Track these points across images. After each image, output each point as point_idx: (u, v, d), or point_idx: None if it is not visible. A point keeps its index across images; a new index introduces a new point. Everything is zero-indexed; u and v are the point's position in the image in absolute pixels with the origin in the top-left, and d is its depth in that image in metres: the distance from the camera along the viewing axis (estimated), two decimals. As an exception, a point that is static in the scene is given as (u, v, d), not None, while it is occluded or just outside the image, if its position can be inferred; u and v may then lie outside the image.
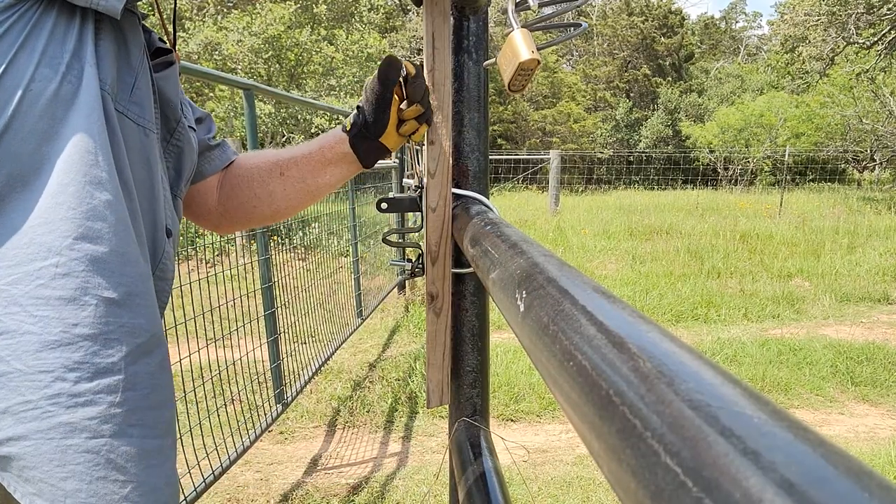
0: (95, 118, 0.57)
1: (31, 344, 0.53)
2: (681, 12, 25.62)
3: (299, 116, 9.83)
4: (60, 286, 0.54)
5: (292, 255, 3.33)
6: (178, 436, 1.60)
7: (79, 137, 0.55)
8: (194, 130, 0.82)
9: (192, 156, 0.79)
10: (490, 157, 0.89)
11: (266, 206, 0.91)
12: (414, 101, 0.82)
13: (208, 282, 2.09)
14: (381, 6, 13.62)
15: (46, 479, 0.53)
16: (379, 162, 0.93)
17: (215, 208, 0.91)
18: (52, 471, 0.53)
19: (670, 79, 23.99)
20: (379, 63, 0.86)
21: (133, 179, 0.62)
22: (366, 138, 0.87)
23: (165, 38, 0.77)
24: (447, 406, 0.92)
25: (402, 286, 5.31)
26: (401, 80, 0.82)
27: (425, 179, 0.82)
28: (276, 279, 2.60)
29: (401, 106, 0.84)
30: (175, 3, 0.77)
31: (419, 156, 0.90)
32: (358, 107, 0.87)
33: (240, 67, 9.65)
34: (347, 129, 0.88)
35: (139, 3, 0.66)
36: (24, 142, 0.54)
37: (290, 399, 2.69)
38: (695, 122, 20.39)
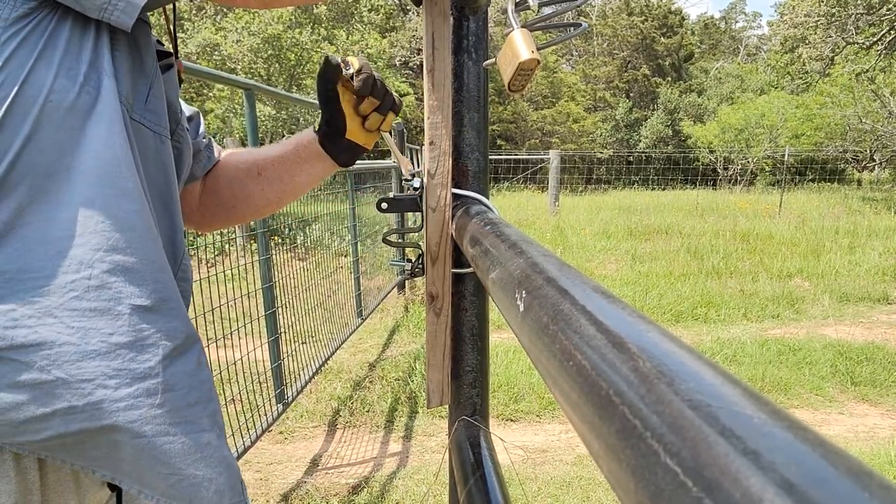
0: (116, 129, 0.57)
1: (71, 355, 0.55)
2: (680, 12, 25.63)
3: (300, 118, 9.83)
4: (94, 297, 0.56)
5: (292, 255, 3.33)
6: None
7: (101, 149, 0.56)
8: (188, 131, 0.82)
9: (189, 157, 0.79)
10: (490, 157, 0.89)
11: (244, 206, 0.93)
12: (364, 95, 0.83)
13: (209, 282, 2.09)
14: (382, 6, 13.62)
15: (104, 456, 0.58)
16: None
17: (197, 208, 0.92)
18: (108, 454, 0.58)
19: (670, 79, 23.99)
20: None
21: (150, 187, 0.63)
22: (332, 137, 0.88)
23: (165, 42, 0.77)
24: (447, 406, 0.92)
25: (401, 286, 5.31)
26: (350, 75, 0.83)
27: (425, 180, 0.82)
28: (276, 279, 2.60)
29: (356, 103, 0.86)
30: (175, 9, 0.77)
31: (418, 156, 0.90)
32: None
33: (239, 67, 9.64)
34: (316, 129, 0.90)
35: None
36: (44, 153, 0.54)
37: (290, 399, 2.69)
38: (694, 122, 20.39)
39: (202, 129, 0.90)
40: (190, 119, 0.88)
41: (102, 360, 0.56)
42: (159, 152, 0.65)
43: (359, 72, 0.82)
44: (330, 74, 0.83)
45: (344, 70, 0.83)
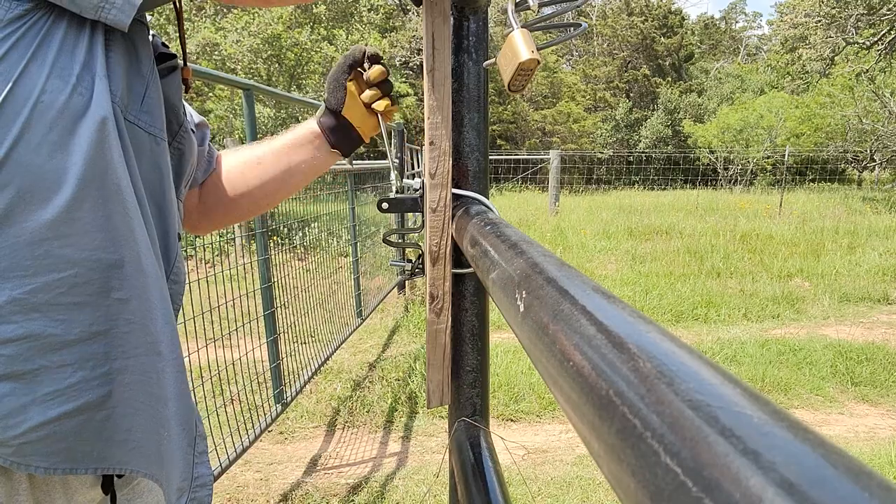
0: (108, 130, 0.58)
1: (54, 344, 0.57)
2: (681, 12, 25.63)
3: (300, 117, 9.83)
4: (79, 293, 0.58)
5: (292, 255, 3.33)
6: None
7: (92, 150, 0.57)
8: (194, 133, 0.82)
9: (192, 158, 0.80)
10: (490, 157, 0.89)
11: (244, 199, 0.94)
12: (375, 62, 0.88)
13: (207, 282, 2.09)
14: (381, 6, 13.62)
15: (71, 447, 0.60)
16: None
17: (195, 209, 0.93)
18: (75, 441, 0.60)
19: (670, 79, 23.99)
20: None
21: (144, 187, 0.64)
22: (330, 114, 0.90)
23: (170, 45, 0.77)
24: (447, 406, 0.92)
25: (401, 286, 5.31)
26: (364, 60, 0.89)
27: (425, 180, 0.82)
28: (275, 279, 2.60)
29: (363, 74, 0.89)
30: (180, 16, 0.77)
31: (418, 156, 0.90)
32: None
33: (239, 67, 9.64)
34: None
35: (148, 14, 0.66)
36: (34, 153, 0.55)
37: (289, 399, 2.69)
38: (694, 122, 20.40)
39: (207, 138, 0.92)
40: (198, 126, 0.89)
41: (83, 346, 0.59)
42: (154, 154, 0.66)
43: (375, 57, 0.88)
44: (357, 63, 0.88)
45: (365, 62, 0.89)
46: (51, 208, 0.55)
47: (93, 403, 0.60)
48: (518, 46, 0.63)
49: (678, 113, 21.43)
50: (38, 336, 0.56)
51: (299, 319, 2.96)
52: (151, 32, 0.72)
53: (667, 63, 24.36)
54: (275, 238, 3.90)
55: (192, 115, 0.88)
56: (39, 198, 0.55)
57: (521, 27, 0.65)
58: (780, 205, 10.52)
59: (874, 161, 18.21)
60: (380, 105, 0.90)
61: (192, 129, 0.82)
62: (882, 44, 12.85)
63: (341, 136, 0.92)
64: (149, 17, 0.71)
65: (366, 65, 0.88)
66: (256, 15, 9.74)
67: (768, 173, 17.64)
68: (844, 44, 13.66)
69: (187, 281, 2.02)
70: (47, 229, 0.55)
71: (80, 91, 0.56)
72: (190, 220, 0.94)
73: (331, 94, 0.89)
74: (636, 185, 17.75)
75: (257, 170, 0.92)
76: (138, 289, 0.62)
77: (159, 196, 0.67)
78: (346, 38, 10.96)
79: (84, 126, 0.56)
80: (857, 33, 13.23)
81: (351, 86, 0.89)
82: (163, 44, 0.74)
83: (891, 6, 12.24)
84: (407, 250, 1.04)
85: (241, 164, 0.93)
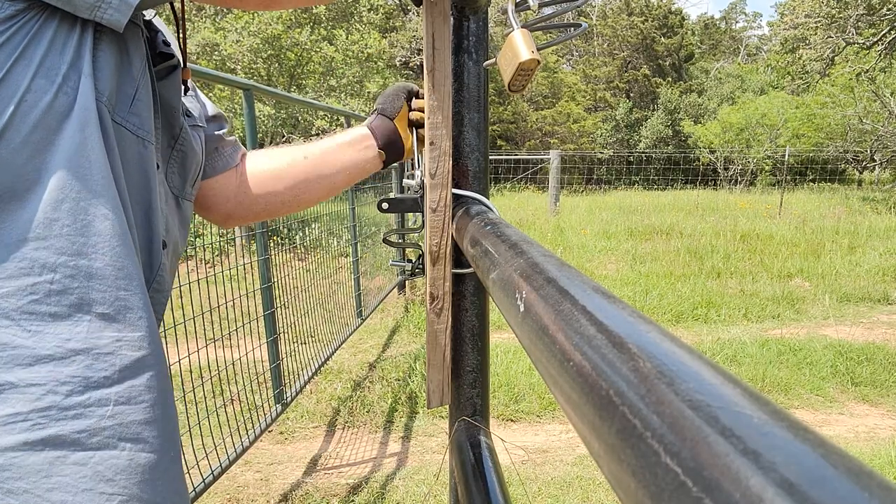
0: (91, 131, 0.56)
1: (24, 358, 0.53)
2: (681, 12, 25.63)
3: (299, 117, 9.84)
4: (55, 302, 0.54)
5: (292, 255, 3.33)
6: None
7: (74, 150, 0.55)
8: (203, 129, 0.82)
9: (197, 158, 0.79)
10: (490, 157, 0.89)
11: (289, 195, 0.95)
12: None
13: (207, 282, 2.09)
14: (381, 6, 13.62)
15: (32, 489, 0.52)
16: None
17: (227, 203, 0.92)
18: (39, 482, 0.52)
19: (670, 79, 23.99)
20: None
21: (129, 192, 0.62)
22: (382, 117, 0.95)
23: (171, 42, 0.76)
24: (447, 406, 0.92)
25: (402, 286, 5.31)
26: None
27: (426, 180, 0.82)
28: (275, 279, 2.60)
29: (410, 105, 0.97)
30: (183, 20, 0.76)
31: (419, 158, 0.91)
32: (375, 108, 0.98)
33: (239, 67, 9.64)
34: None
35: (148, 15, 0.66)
36: (16, 153, 0.53)
37: (289, 399, 2.69)
38: (695, 122, 20.41)
39: (225, 128, 0.91)
40: (214, 118, 0.89)
41: (56, 365, 0.53)
42: (142, 157, 0.64)
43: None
44: (412, 94, 0.98)
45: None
46: (30, 209, 0.53)
47: (64, 439, 0.53)
48: (518, 46, 0.63)
49: (678, 113, 21.43)
50: (5, 346, 0.52)
51: (299, 319, 2.96)
52: (157, 29, 0.72)
53: (667, 63, 24.36)
54: (275, 238, 3.90)
55: (208, 106, 0.88)
56: (18, 198, 0.53)
57: (521, 27, 0.65)
58: (781, 205, 10.52)
59: (874, 161, 18.21)
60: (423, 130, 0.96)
61: (200, 125, 0.82)
62: (882, 44, 12.85)
63: (388, 141, 0.95)
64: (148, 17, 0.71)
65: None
66: (256, 15, 9.74)
67: (768, 173, 17.65)
68: (844, 44, 13.66)
69: (187, 281, 2.02)
70: (24, 230, 0.53)
71: (66, 91, 0.55)
72: (220, 214, 0.93)
73: (388, 103, 0.96)
74: (636, 186, 17.75)
75: (302, 164, 0.94)
76: (121, 300, 0.58)
77: (145, 201, 0.65)
78: (346, 38, 10.95)
79: (68, 126, 0.55)
80: (857, 33, 13.23)
81: (405, 106, 0.97)
82: (164, 42, 0.73)
83: (891, 6, 12.25)
84: (407, 250, 1.04)
85: (285, 162, 0.93)
